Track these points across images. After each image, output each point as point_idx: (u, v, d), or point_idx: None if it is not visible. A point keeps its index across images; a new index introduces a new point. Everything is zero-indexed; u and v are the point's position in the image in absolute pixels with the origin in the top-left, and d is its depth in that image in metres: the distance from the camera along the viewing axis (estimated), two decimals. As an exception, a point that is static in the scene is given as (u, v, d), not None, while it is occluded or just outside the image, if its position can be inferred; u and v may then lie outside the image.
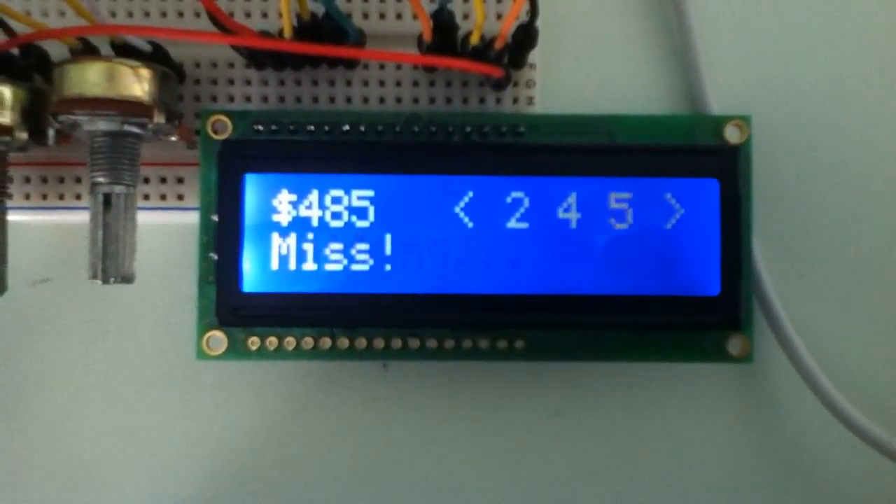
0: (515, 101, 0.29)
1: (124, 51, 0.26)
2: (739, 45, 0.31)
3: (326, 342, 0.27)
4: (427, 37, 0.26)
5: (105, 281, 0.25)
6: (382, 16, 0.29)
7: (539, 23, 0.29)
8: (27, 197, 0.29)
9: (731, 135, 0.28)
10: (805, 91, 0.31)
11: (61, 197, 0.29)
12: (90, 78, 0.25)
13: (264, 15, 0.29)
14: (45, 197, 0.29)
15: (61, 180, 0.29)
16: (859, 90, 0.31)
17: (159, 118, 0.25)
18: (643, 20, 0.31)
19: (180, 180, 0.29)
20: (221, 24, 0.25)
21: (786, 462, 0.30)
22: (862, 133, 0.31)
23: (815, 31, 0.31)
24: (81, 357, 0.30)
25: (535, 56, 0.29)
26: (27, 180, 0.29)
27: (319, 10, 0.27)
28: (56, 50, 0.27)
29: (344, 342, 0.27)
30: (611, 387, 0.30)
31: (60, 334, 0.30)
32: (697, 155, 0.27)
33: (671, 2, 0.30)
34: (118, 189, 0.25)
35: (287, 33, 0.26)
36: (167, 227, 0.30)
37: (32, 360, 0.30)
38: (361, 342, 0.28)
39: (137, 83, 0.25)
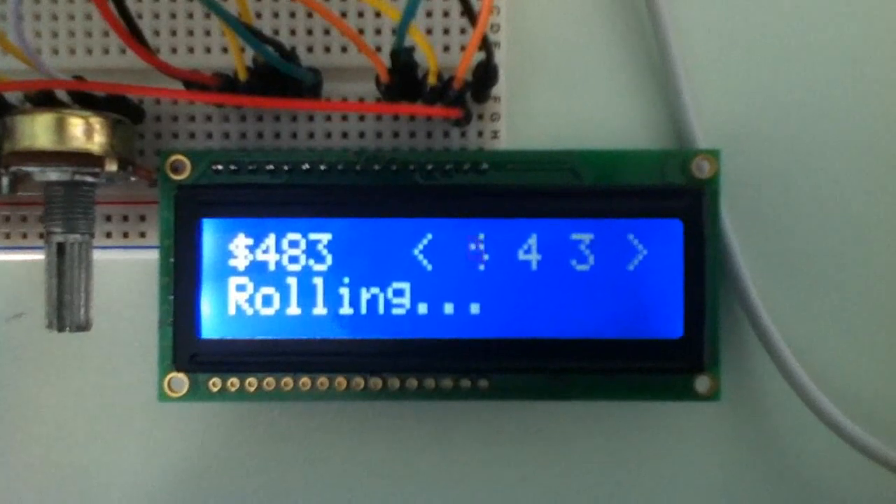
0: (480, 134, 0.29)
1: (80, 95, 0.26)
2: (720, 72, 0.30)
3: (288, 383, 0.27)
4: (383, 78, 0.26)
5: (60, 330, 0.25)
6: (344, 49, 0.29)
7: (505, 54, 0.28)
8: (-9, 237, 0.29)
9: (700, 169, 0.27)
10: (791, 116, 0.30)
11: (24, 236, 0.29)
12: (39, 130, 0.24)
13: (224, 50, 0.29)
14: (7, 236, 0.29)
15: (24, 219, 0.29)
16: (844, 114, 0.30)
17: (111, 166, 0.25)
18: (618, 48, 0.30)
19: (142, 218, 0.29)
20: (175, 78, 0.24)
21: (780, 475, 0.30)
22: (849, 154, 0.30)
23: (801, 58, 0.30)
24: (57, 390, 0.30)
25: (499, 89, 0.28)
26: (-10, 220, 0.29)
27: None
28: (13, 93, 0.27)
29: (306, 383, 0.27)
30: (591, 414, 0.30)
31: (35, 368, 0.30)
32: (660, 195, 0.27)
33: (650, 29, 0.29)
34: (72, 238, 0.25)
35: (242, 76, 0.26)
36: (132, 264, 0.30)
37: (7, 394, 0.30)
38: (323, 382, 0.27)
39: (87, 134, 0.25)
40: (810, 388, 0.28)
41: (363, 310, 0.27)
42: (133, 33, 0.23)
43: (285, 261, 0.27)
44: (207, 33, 0.29)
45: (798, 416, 0.29)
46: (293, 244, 0.27)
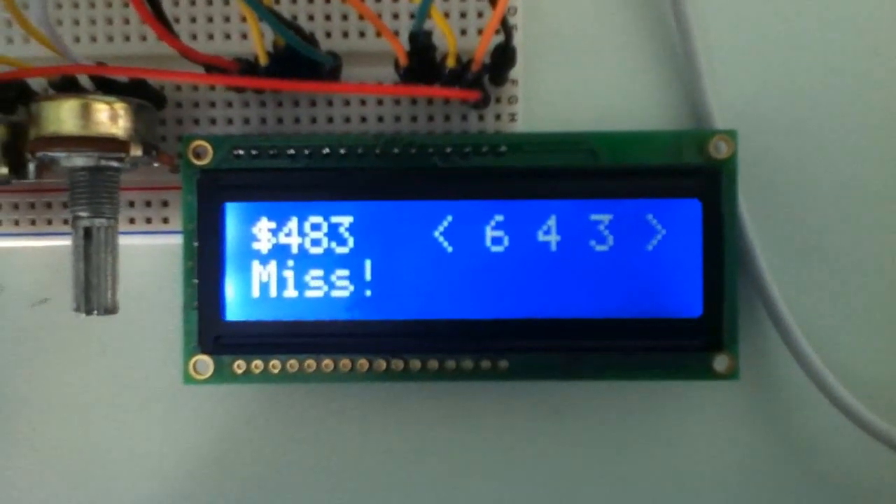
0: (498, 117, 0.29)
1: (102, 82, 0.27)
2: (737, 52, 0.30)
3: (311, 365, 0.28)
4: (402, 61, 0.26)
5: (88, 313, 0.26)
6: (362, 34, 0.29)
7: (523, 36, 0.29)
8: (16, 223, 0.29)
9: (718, 150, 0.28)
10: (808, 97, 0.30)
11: (49, 222, 0.29)
12: (65, 116, 0.25)
13: (244, 36, 0.29)
14: (33, 223, 0.29)
15: (48, 206, 0.29)
16: (862, 94, 0.30)
17: (136, 151, 0.26)
18: (635, 30, 0.30)
19: (165, 203, 0.29)
20: (197, 62, 0.25)
21: (793, 460, 0.30)
22: (866, 134, 0.30)
23: (819, 38, 0.30)
24: (82, 374, 0.31)
25: (517, 72, 0.28)
26: (15, 207, 0.29)
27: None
28: (37, 80, 0.27)
29: (329, 364, 0.28)
30: (609, 394, 0.30)
31: (60, 353, 0.31)
32: (679, 175, 0.27)
33: (668, 10, 0.29)
34: (98, 222, 0.26)
35: (262, 61, 0.26)
36: (156, 249, 0.30)
37: (32, 379, 0.31)
38: (346, 364, 0.28)
39: (112, 119, 0.25)
40: (822, 370, 0.28)
41: (385, 291, 0.27)
42: (156, 15, 0.24)
43: (307, 244, 0.27)
44: (227, 19, 0.29)
45: (811, 397, 0.29)
46: (315, 227, 0.27)
